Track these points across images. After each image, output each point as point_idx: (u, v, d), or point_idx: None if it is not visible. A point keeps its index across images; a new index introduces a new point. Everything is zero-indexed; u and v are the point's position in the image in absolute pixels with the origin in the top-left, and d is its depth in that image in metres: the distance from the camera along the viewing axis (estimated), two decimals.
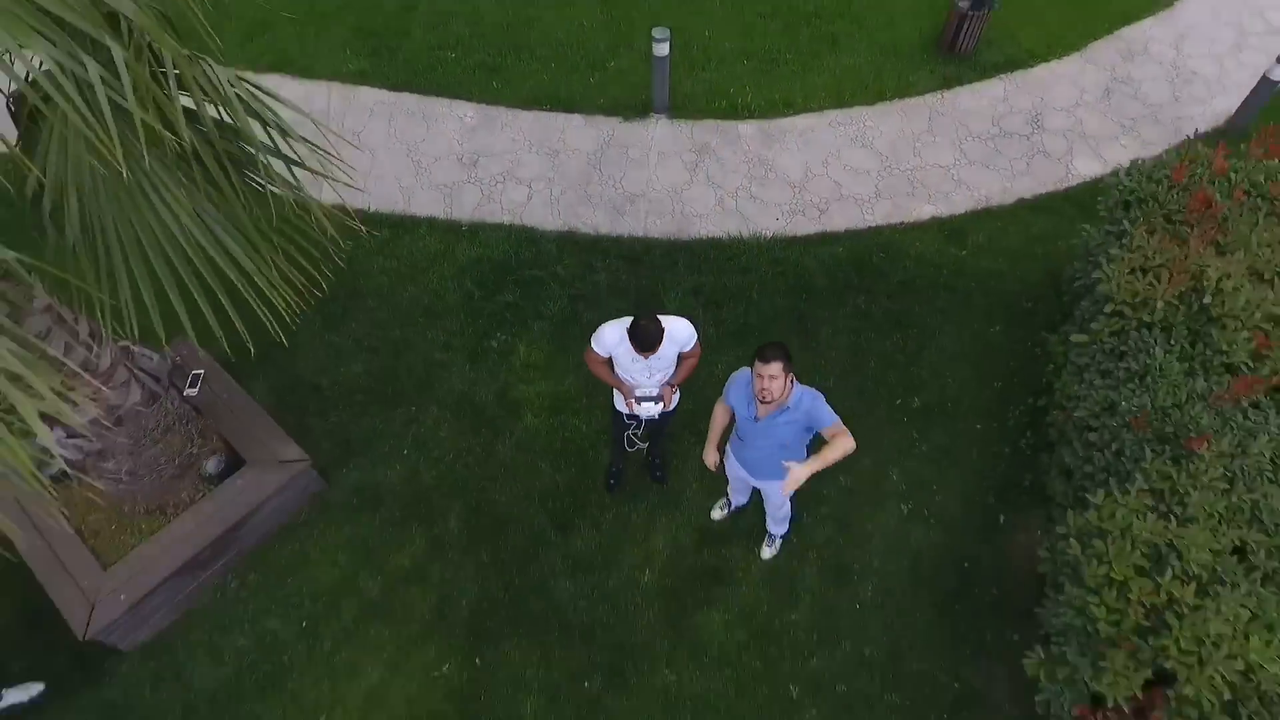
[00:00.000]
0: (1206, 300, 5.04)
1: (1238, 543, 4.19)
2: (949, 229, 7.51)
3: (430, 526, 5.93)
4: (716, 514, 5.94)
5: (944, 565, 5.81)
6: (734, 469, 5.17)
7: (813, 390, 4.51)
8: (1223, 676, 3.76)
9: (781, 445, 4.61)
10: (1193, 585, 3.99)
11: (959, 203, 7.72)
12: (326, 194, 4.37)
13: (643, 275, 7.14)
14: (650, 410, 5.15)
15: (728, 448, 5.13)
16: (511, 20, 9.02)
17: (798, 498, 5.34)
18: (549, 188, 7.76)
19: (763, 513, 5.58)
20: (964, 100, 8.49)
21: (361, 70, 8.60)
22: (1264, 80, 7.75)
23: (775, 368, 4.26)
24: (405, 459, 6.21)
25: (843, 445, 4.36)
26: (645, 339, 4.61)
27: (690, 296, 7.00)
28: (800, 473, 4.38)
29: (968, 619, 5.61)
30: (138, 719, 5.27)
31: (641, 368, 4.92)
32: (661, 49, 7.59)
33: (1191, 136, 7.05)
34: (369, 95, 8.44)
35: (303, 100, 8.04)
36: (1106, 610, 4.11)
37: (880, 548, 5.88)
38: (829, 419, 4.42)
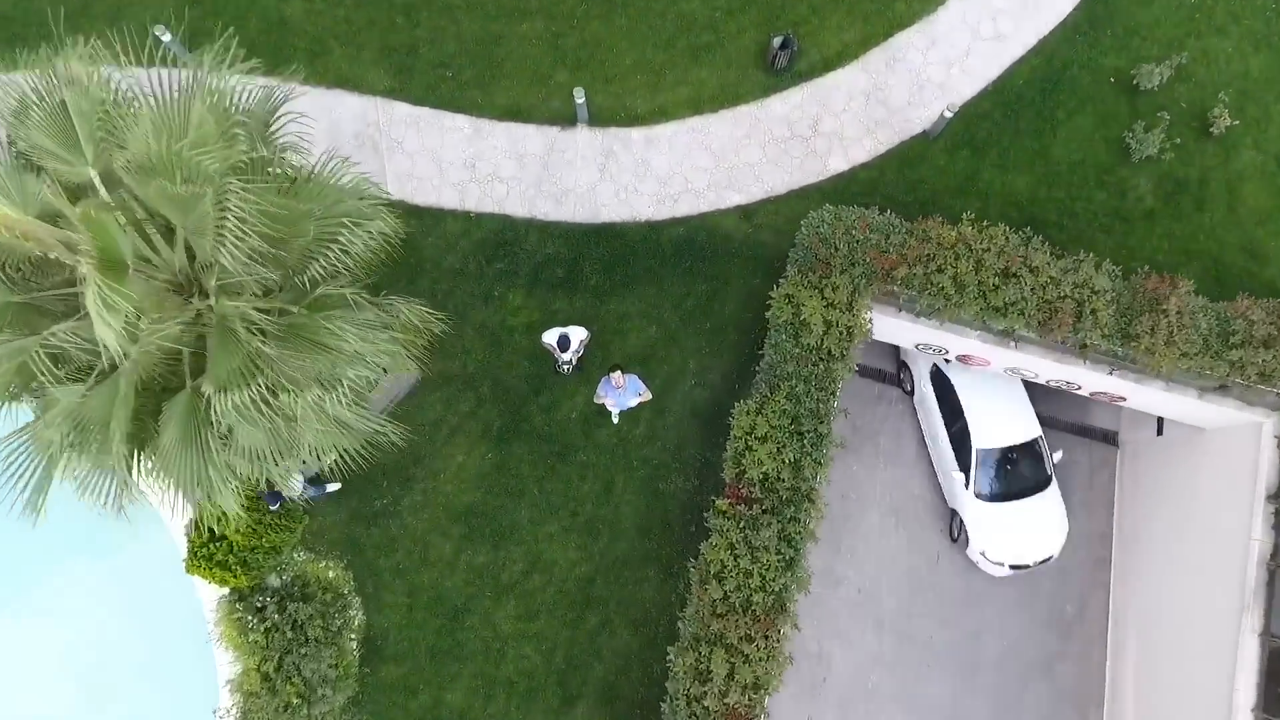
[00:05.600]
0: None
1: None
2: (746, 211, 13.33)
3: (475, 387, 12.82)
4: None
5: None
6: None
7: (634, 376, 11.27)
8: None
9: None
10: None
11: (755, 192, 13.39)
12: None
13: (570, 248, 13.15)
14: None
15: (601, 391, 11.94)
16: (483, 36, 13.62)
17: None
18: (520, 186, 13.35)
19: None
20: (774, 108, 13.62)
21: (391, 88, 13.49)
22: (940, 118, 12.99)
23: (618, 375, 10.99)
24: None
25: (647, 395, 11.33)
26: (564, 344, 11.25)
27: (597, 262, 13.09)
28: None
29: None
30: None
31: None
32: (579, 96, 12.69)
33: (908, 138, 12.67)
34: (403, 110, 13.48)
35: (362, 113, 13.22)
36: None
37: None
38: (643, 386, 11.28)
